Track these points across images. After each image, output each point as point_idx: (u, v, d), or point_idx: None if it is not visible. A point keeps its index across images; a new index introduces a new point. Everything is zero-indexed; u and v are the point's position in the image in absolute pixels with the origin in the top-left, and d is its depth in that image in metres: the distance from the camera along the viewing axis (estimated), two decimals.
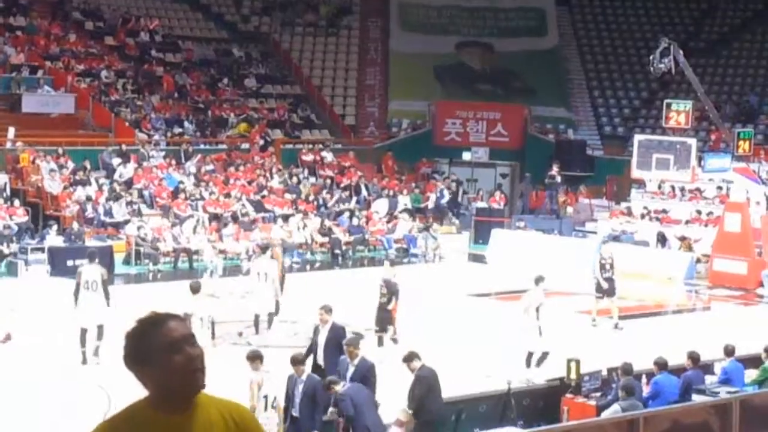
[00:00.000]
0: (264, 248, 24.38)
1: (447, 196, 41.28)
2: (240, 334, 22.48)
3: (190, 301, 18.25)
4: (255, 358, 14.43)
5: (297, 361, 14.80)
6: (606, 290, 25.12)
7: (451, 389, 16.43)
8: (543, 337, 19.74)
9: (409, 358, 15.22)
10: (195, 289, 18.74)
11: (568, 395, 16.90)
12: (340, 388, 14.14)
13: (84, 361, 19.15)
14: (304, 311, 21.83)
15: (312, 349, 16.92)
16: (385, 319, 20.97)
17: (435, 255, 35.60)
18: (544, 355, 19.54)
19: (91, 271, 19.97)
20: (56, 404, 16.95)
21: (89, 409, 16.03)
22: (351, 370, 14.98)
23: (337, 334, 16.42)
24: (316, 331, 17.19)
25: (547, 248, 33.60)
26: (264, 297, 22.35)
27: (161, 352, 4.10)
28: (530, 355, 19.53)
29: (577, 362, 17.26)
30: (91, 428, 4.18)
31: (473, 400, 17.11)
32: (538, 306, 20.02)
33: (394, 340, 20.66)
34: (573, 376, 17.08)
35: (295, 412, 14.42)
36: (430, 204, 40.70)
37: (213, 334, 19.89)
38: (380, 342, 20.68)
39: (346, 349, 15.33)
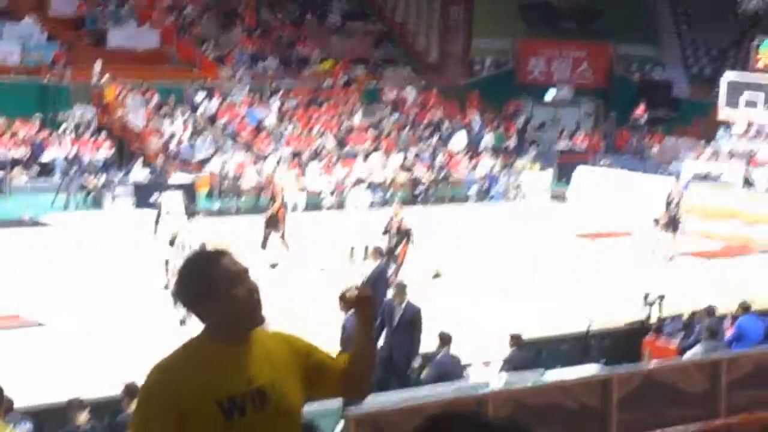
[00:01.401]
0: (359, 180, 24.65)
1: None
2: (321, 269, 22.60)
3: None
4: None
5: (400, 289, 14.95)
6: (670, 226, 24.84)
7: (531, 329, 16.40)
8: (660, 277, 19.54)
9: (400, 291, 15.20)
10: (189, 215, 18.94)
11: (650, 337, 16.79)
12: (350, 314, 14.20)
13: (167, 287, 19.36)
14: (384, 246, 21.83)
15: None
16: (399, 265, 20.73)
17: (517, 194, 35.41)
18: (661, 297, 19.29)
19: (173, 200, 20.50)
20: (139, 334, 17.19)
21: (173, 337, 16.22)
22: (399, 314, 14.96)
23: (411, 315, 15.97)
24: (389, 307, 16.94)
25: (631, 187, 33.25)
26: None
27: (223, 286, 4.14)
28: (647, 295, 19.30)
29: (660, 303, 17.12)
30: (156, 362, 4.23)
31: (554, 341, 17.08)
32: (657, 247, 19.82)
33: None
34: (655, 317, 16.95)
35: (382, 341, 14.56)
36: (512, 143, 40.43)
37: None
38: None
39: (394, 293, 15.29)
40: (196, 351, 4.21)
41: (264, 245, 22.67)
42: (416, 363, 14.81)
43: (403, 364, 14.69)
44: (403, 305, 15.00)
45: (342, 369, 4.41)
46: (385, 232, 20.90)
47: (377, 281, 16.13)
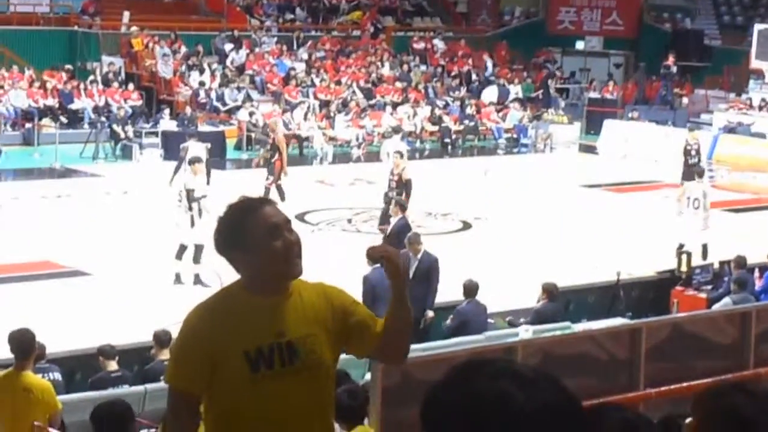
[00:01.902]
0: (396, 129, 24.50)
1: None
2: (349, 221, 22.59)
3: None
4: None
5: (415, 239, 14.97)
6: (688, 176, 24.64)
7: (559, 280, 16.38)
8: (698, 230, 19.44)
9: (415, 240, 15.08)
10: (191, 162, 18.65)
11: (679, 288, 16.74)
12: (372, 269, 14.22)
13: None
14: (414, 199, 21.77)
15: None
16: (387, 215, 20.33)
17: (545, 145, 35.28)
18: (704, 247, 19.21)
19: (196, 149, 20.41)
20: (166, 283, 17.27)
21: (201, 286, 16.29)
22: (414, 264, 14.84)
23: (428, 265, 15.38)
24: (404, 258, 16.64)
25: (660, 139, 33.06)
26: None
27: (260, 237, 4.10)
28: (681, 246, 19.22)
29: (689, 254, 17.08)
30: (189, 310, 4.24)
31: (582, 291, 17.06)
32: (697, 198, 19.67)
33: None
34: (684, 268, 16.89)
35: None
36: (541, 94, 40.24)
37: None
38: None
39: (408, 245, 15.14)
40: (232, 298, 4.21)
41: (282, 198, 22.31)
42: (430, 314, 14.64)
43: (420, 315, 14.54)
44: (419, 256, 14.88)
45: (379, 331, 4.29)
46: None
47: (400, 235, 16.01)
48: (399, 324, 4.27)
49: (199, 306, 4.25)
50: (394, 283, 4.24)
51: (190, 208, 17.63)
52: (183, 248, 17.48)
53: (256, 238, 4.10)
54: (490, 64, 41.09)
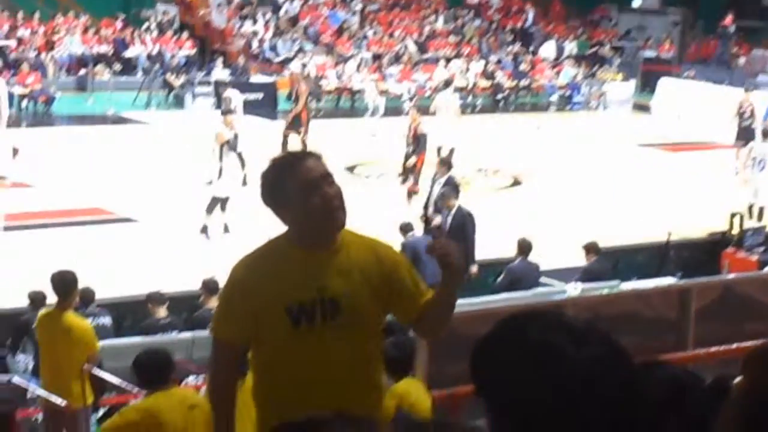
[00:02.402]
0: (447, 82, 24.35)
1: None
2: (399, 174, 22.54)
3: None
4: None
5: (447, 196, 14.92)
6: (742, 137, 24.36)
7: (609, 239, 16.30)
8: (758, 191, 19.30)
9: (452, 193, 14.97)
10: (223, 113, 18.61)
11: (730, 249, 16.60)
12: (409, 236, 14.22)
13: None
14: (464, 155, 21.71)
15: (428, 200, 16.07)
16: (408, 169, 20.06)
17: (599, 103, 35.01)
18: (761, 209, 19.06)
19: (236, 96, 20.59)
20: (218, 231, 17.35)
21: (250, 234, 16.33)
22: (449, 220, 14.79)
23: (462, 219, 15.20)
24: (434, 181, 16.26)
25: (716, 100, 32.68)
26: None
27: (298, 193, 4.10)
28: (751, 206, 19.09)
29: (741, 216, 16.92)
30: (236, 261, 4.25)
31: (631, 251, 16.96)
32: (762, 159, 19.47)
33: (414, 192, 19.45)
34: (735, 230, 16.75)
35: None
36: (596, 51, 39.87)
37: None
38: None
39: (441, 200, 15.08)
40: (277, 252, 4.22)
41: (284, 148, 22.11)
42: (474, 268, 14.54)
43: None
44: (453, 211, 14.82)
45: (422, 304, 4.25)
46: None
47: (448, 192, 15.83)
48: (442, 311, 4.23)
49: (244, 258, 4.27)
50: (450, 278, 4.15)
51: (221, 159, 17.53)
52: (216, 201, 17.40)
53: (294, 194, 4.11)
54: (531, 15, 40.63)
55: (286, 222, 4.21)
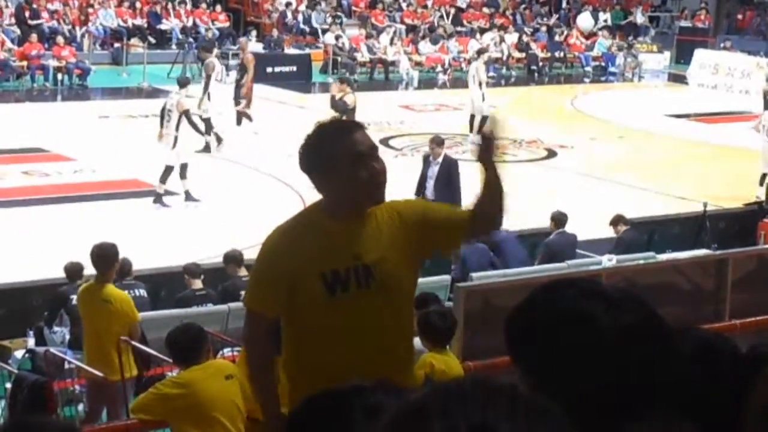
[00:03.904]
0: (480, 51, 24.41)
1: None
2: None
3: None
4: None
5: (436, 142, 15.22)
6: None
7: (643, 210, 16.25)
8: None
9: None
10: (182, 84, 18.65)
11: (766, 220, 16.49)
12: None
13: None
14: (500, 125, 21.63)
15: (422, 181, 15.51)
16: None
17: (634, 74, 34.79)
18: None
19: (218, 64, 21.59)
20: (255, 203, 17.39)
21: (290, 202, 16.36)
22: (435, 169, 15.03)
23: (448, 167, 15.18)
24: (426, 162, 15.73)
25: (752, 70, 32.41)
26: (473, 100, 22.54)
27: (346, 164, 4.09)
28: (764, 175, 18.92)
29: None
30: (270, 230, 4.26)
31: (667, 222, 16.89)
32: None
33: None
34: None
35: (429, 194, 14.62)
36: (638, 19, 39.59)
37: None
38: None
39: (429, 147, 15.47)
40: (311, 221, 4.23)
41: (239, 122, 21.91)
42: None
43: None
44: (439, 159, 15.09)
45: (470, 210, 4.32)
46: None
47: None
48: (494, 197, 4.24)
49: (277, 229, 4.27)
50: (490, 161, 4.33)
51: (177, 129, 17.60)
52: (170, 170, 17.49)
53: (342, 163, 4.09)
54: None
55: (322, 189, 4.20)
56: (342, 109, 18.29)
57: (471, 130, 22.12)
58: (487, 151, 4.26)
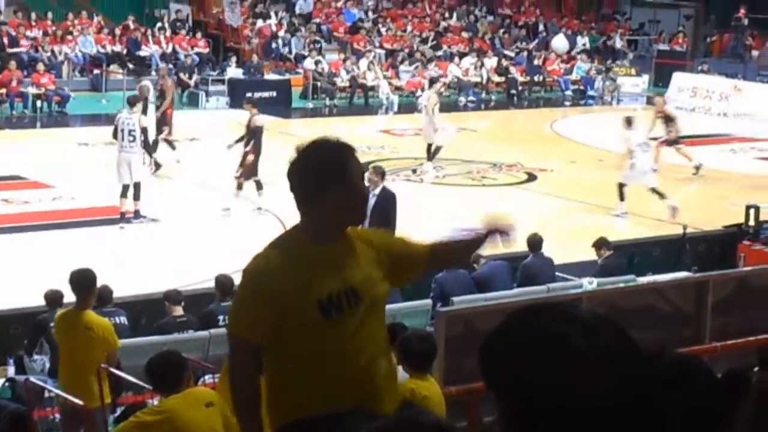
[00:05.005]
0: (432, 81, 24.18)
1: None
2: (414, 171, 22.56)
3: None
4: None
5: (377, 172, 14.92)
6: None
7: (623, 233, 16.28)
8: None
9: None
10: (132, 103, 18.66)
11: (746, 242, 16.54)
12: None
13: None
14: (480, 149, 21.74)
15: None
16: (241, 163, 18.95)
17: (613, 97, 34.94)
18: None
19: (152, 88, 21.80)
20: (235, 229, 17.37)
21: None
22: (372, 200, 14.59)
23: (385, 200, 14.84)
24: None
25: (730, 93, 32.62)
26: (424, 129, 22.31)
27: (341, 186, 4.13)
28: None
29: (757, 209, 16.84)
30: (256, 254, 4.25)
31: (647, 244, 16.92)
32: None
33: (239, 185, 18.75)
34: (752, 222, 16.69)
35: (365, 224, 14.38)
36: (609, 45, 39.77)
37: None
38: (239, 186, 18.73)
39: (367, 177, 14.92)
40: (295, 246, 4.21)
41: (155, 149, 21.36)
42: None
43: None
44: (376, 191, 14.60)
45: (430, 250, 4.51)
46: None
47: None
48: (461, 258, 4.48)
49: (260, 255, 4.24)
50: (475, 243, 4.54)
51: (143, 146, 18.18)
52: (137, 186, 17.80)
53: (353, 178, 4.17)
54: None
55: (309, 207, 4.19)
56: (255, 131, 18.53)
57: (429, 158, 22.04)
58: (495, 234, 4.51)
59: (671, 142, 22.76)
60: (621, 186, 19.28)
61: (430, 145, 22.10)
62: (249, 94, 23.82)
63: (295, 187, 4.21)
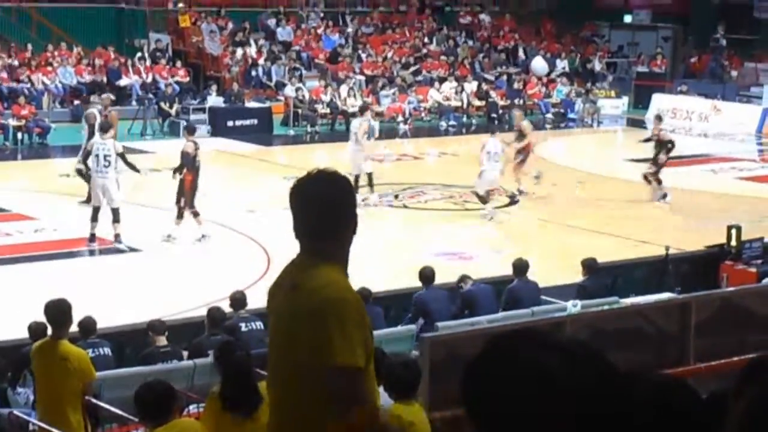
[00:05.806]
0: (362, 109, 24.05)
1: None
2: (396, 196, 22.56)
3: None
4: None
5: None
6: None
7: (606, 255, 16.30)
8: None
9: None
10: (104, 129, 18.64)
11: (728, 262, 16.59)
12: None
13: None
14: (462, 174, 21.77)
15: None
16: (180, 191, 18.84)
17: (593, 119, 35.06)
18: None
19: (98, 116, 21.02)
20: (217, 259, 17.34)
21: (255, 256, 16.35)
22: None
23: None
24: None
25: (710, 113, 32.79)
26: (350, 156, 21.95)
27: (354, 220, 4.17)
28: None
29: (738, 229, 16.90)
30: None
31: (630, 266, 16.96)
32: None
33: (192, 214, 18.62)
34: (734, 242, 16.74)
35: None
36: (589, 68, 39.94)
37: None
38: (179, 214, 18.64)
39: None
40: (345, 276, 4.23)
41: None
42: None
43: None
44: None
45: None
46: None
47: None
48: None
49: (338, 283, 4.12)
50: None
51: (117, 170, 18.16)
52: (115, 212, 17.95)
53: (353, 221, 4.16)
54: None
55: (341, 245, 4.15)
56: (182, 155, 18.72)
57: (371, 189, 21.57)
58: None
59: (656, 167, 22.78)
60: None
61: (357, 177, 20.94)
62: (189, 126, 22.59)
63: (324, 231, 4.12)
